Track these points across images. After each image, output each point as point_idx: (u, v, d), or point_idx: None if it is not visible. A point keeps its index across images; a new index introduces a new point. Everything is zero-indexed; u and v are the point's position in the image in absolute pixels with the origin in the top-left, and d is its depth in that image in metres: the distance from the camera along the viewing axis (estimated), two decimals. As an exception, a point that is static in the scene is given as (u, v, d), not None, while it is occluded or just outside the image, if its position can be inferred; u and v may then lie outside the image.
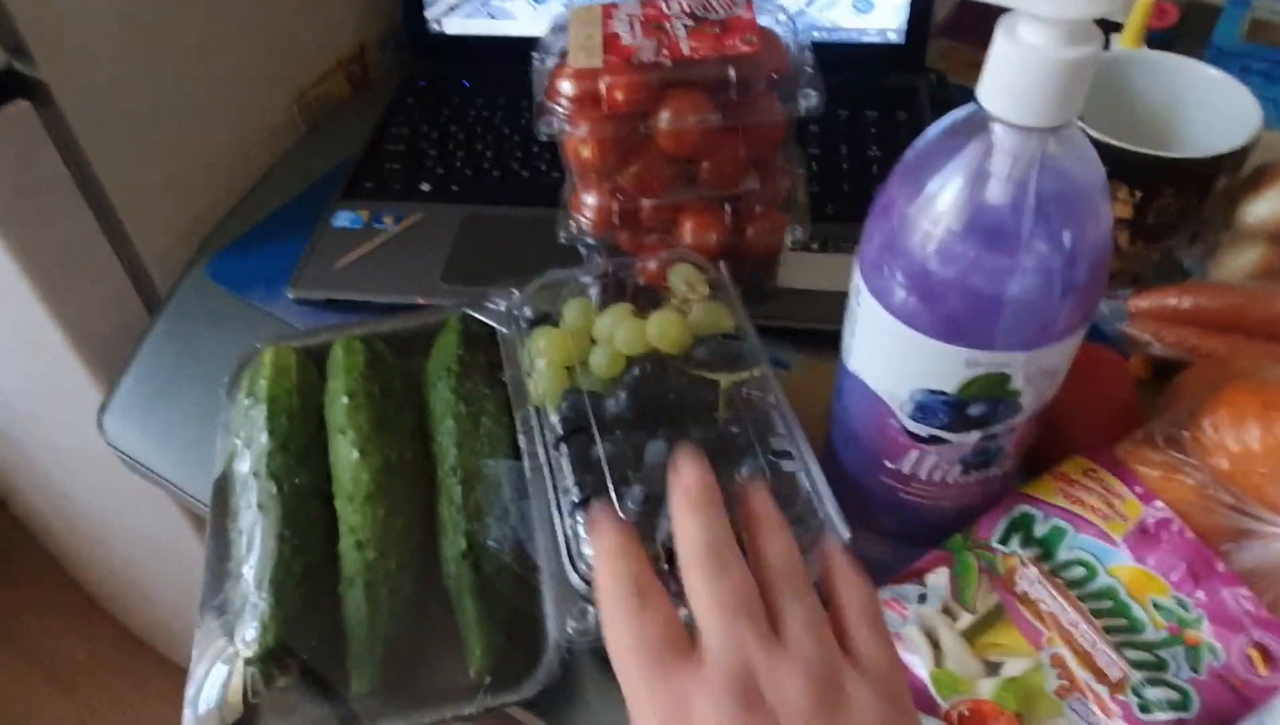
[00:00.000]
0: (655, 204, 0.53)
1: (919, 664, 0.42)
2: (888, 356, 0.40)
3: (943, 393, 0.40)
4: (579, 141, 0.49)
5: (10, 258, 0.62)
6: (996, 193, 0.35)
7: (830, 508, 0.40)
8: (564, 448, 0.43)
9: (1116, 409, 0.50)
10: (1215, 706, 0.39)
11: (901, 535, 0.49)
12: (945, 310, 0.37)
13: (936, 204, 0.36)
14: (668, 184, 0.51)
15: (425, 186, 0.68)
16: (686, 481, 0.33)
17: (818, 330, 0.58)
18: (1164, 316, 0.53)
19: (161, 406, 0.60)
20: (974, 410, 0.40)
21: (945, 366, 0.38)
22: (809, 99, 0.47)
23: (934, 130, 0.37)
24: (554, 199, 0.66)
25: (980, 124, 0.35)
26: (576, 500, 0.41)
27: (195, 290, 0.66)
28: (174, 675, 1.30)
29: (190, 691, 0.42)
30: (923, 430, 0.42)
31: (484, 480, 0.47)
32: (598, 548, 0.33)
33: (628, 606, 0.30)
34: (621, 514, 0.40)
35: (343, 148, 0.74)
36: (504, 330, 0.55)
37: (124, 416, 0.60)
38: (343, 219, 0.66)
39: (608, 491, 0.41)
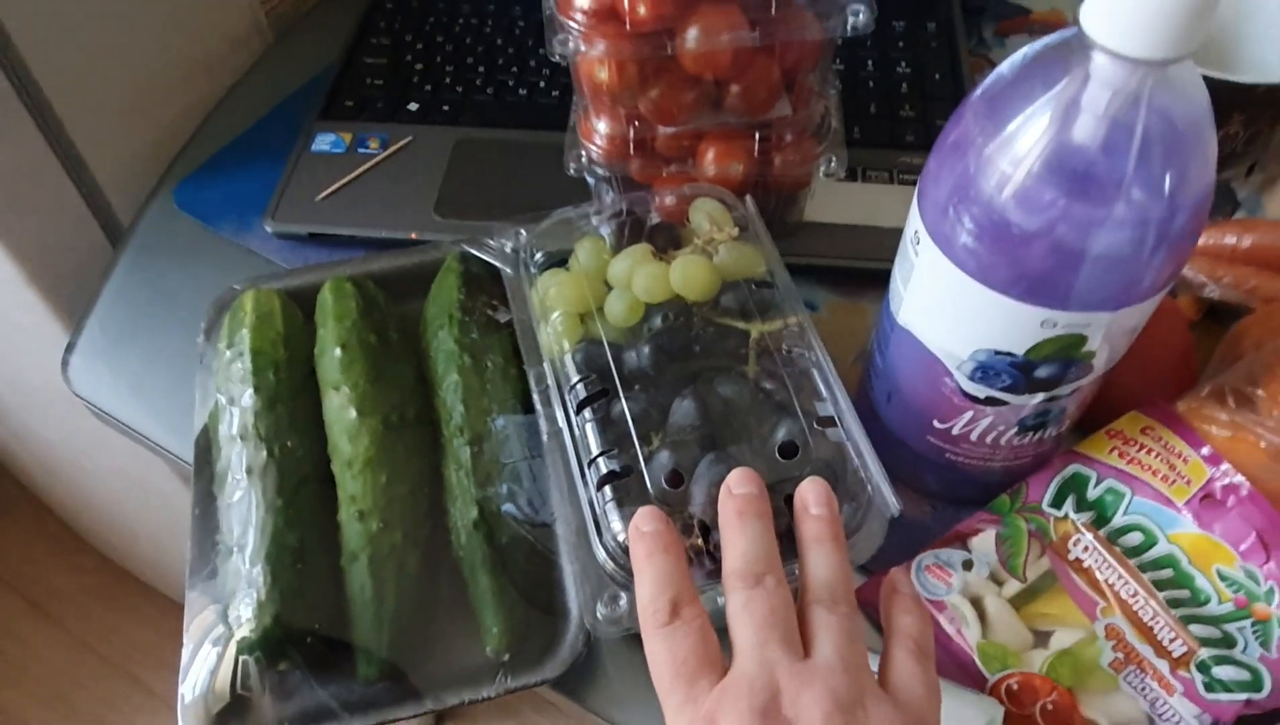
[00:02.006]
0: (675, 131, 0.48)
1: (966, 635, 0.40)
2: (949, 312, 0.36)
3: (1010, 354, 0.36)
4: (595, 62, 0.44)
5: (-48, 185, 0.56)
6: (1092, 133, 0.30)
7: (881, 483, 0.37)
8: (587, 413, 0.39)
9: (1171, 358, 0.47)
10: (1289, 688, 0.37)
11: (942, 495, 0.46)
12: (1023, 265, 0.33)
13: (1019, 143, 0.31)
14: (691, 109, 0.46)
15: (412, 106, 0.62)
16: (737, 499, 0.33)
17: (847, 268, 0.54)
18: (1221, 255, 0.49)
19: (131, 353, 0.54)
20: (1042, 372, 0.36)
21: (1016, 326, 0.34)
22: (857, 15, 0.42)
23: (1020, 56, 0.32)
24: (552, 121, 0.61)
25: (1078, 51, 0.30)
26: (604, 472, 0.37)
27: (161, 220, 0.60)
28: (160, 604, 1.28)
29: (183, 667, 0.39)
30: (981, 391, 0.38)
31: (492, 439, 0.43)
32: (637, 554, 0.33)
33: (663, 623, 0.31)
34: (650, 485, 0.37)
35: (315, 61, 0.67)
36: (509, 272, 0.50)
37: (91, 363, 0.55)
38: (323, 142, 0.60)
39: (636, 462, 0.37)
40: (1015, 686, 0.39)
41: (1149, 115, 0.30)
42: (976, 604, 0.41)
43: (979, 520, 0.43)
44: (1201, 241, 0.50)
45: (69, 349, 0.55)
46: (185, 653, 0.39)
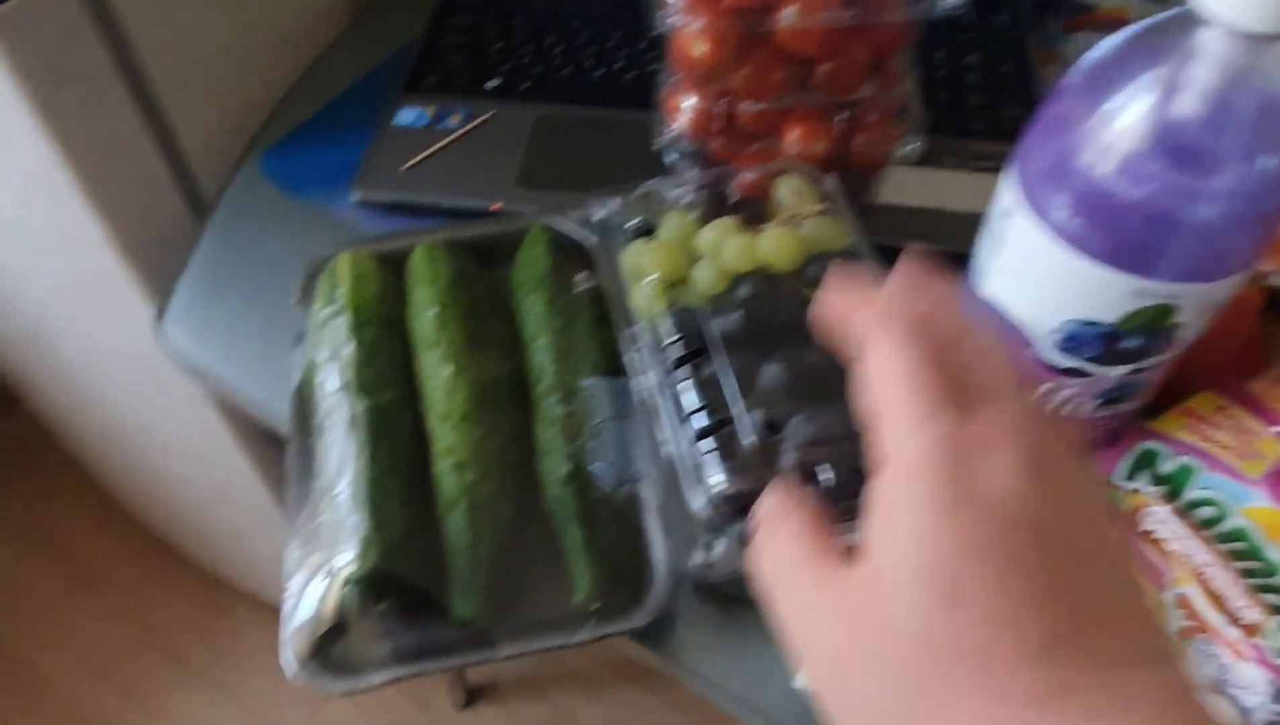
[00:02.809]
0: (761, 109, 0.49)
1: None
2: (1040, 283, 0.38)
3: (1098, 324, 0.37)
4: (693, 37, 0.45)
5: (51, 148, 0.58)
6: (1199, 106, 0.32)
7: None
8: (682, 372, 0.41)
9: (1239, 343, 0.48)
10: (1363, 655, 0.38)
11: (1015, 468, 0.47)
12: (1122, 235, 0.34)
13: (1124, 116, 0.33)
14: (780, 87, 0.48)
15: (493, 83, 0.64)
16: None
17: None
18: (1289, 246, 0.50)
19: (222, 313, 0.56)
20: (1129, 343, 0.38)
21: (1109, 296, 0.36)
22: (950, -3, 0.43)
23: (1125, 33, 0.34)
24: (629, 99, 0.63)
25: (1186, 27, 0.31)
26: (702, 426, 0.39)
27: (249, 188, 0.62)
28: (200, 577, 1.30)
29: (288, 605, 0.41)
30: (1065, 362, 0.39)
31: (581, 400, 0.45)
32: (761, 528, 0.27)
33: (779, 523, 0.26)
34: (746, 437, 0.38)
35: (397, 36, 0.69)
36: (592, 240, 0.52)
37: (184, 323, 0.57)
38: (406, 116, 0.62)
39: (732, 417, 0.39)
40: (1090, 650, 0.40)
41: (1257, 91, 0.31)
42: (1051, 571, 0.42)
43: (1053, 491, 0.44)
44: (1270, 232, 0.51)
45: (162, 309, 0.57)
46: (292, 583, 0.40)
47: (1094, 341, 0.38)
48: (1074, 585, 0.22)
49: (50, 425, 1.26)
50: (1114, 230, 0.34)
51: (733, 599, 0.44)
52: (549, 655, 0.41)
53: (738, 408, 0.39)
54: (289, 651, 0.40)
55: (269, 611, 1.28)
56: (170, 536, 1.30)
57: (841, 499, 0.37)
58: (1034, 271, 0.38)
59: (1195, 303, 0.36)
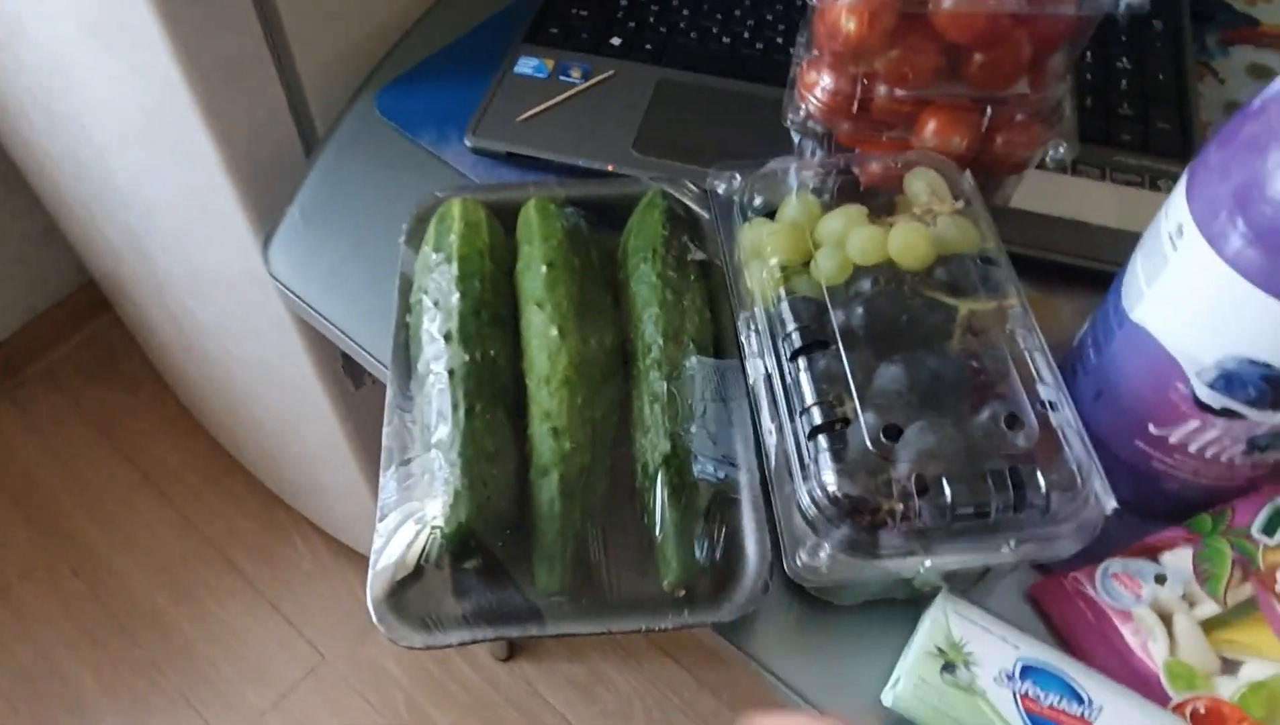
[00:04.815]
0: (903, 96, 0.47)
1: (1153, 650, 0.39)
2: (1204, 313, 0.35)
3: (1263, 364, 0.34)
4: (843, 12, 0.43)
5: (175, 64, 0.58)
6: None
7: (1097, 480, 0.36)
8: (801, 362, 0.39)
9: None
10: None
11: (1131, 505, 0.44)
12: (1311, 274, 0.31)
13: (1332, 146, 0.30)
14: (929, 74, 0.45)
15: (615, 41, 0.62)
16: None
17: (1046, 260, 0.52)
18: None
19: (328, 245, 0.56)
20: (1294, 389, 0.35)
21: (1282, 337, 0.33)
22: (1133, -7, 0.40)
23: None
24: (754, 73, 0.60)
25: None
26: (819, 423, 0.37)
27: (362, 123, 0.62)
28: (264, 497, 1.33)
29: (376, 544, 0.40)
30: (1217, 401, 0.37)
31: (684, 378, 0.44)
32: None
33: None
34: (868, 440, 0.36)
35: (520, -17, 0.68)
36: (706, 216, 0.50)
37: (290, 250, 0.57)
38: (526, 66, 0.60)
39: (852, 415, 0.37)
40: (1202, 710, 0.38)
41: None
42: (1165, 621, 0.39)
43: (1174, 536, 0.41)
44: None
45: (269, 234, 0.57)
46: (382, 524, 0.40)
47: (1254, 382, 0.35)
48: None
49: (136, 331, 1.30)
50: (1303, 267, 0.31)
51: (822, 602, 0.42)
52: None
53: (855, 408, 0.37)
54: (370, 594, 0.39)
55: (327, 540, 1.31)
56: (240, 454, 1.33)
57: (955, 519, 0.36)
58: (1198, 300, 0.35)
59: (1378, 356, 0.33)
